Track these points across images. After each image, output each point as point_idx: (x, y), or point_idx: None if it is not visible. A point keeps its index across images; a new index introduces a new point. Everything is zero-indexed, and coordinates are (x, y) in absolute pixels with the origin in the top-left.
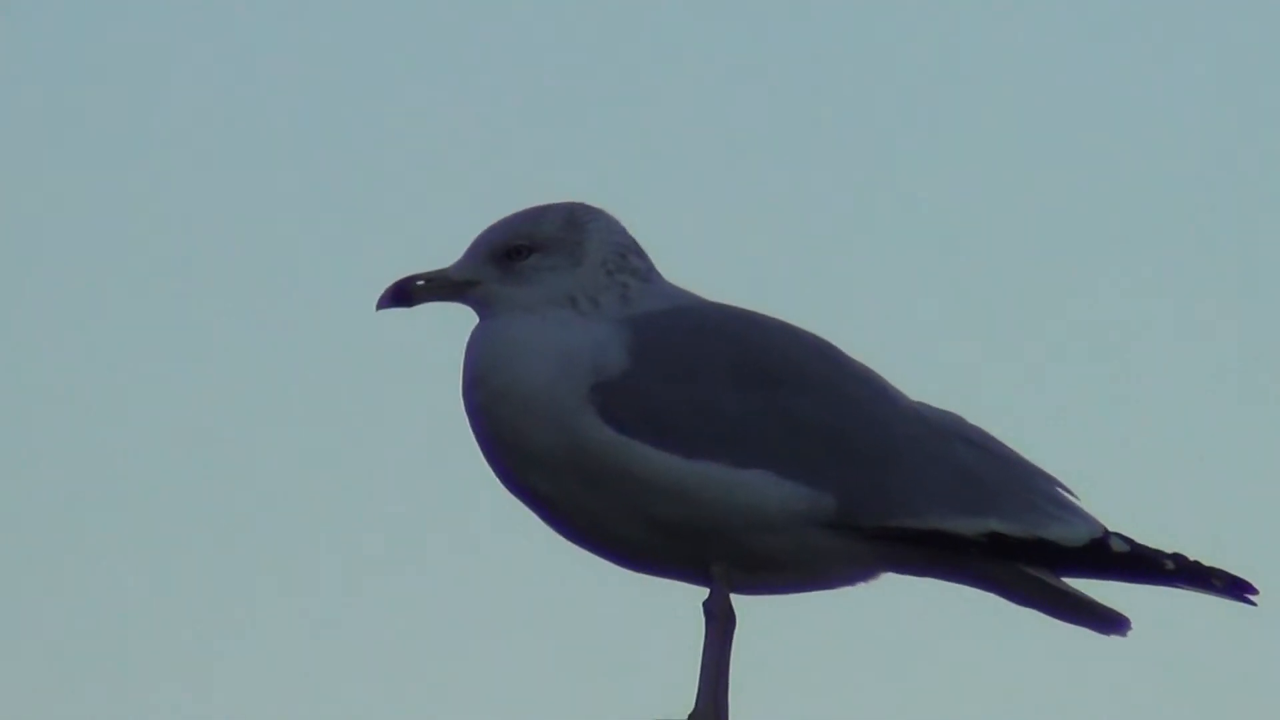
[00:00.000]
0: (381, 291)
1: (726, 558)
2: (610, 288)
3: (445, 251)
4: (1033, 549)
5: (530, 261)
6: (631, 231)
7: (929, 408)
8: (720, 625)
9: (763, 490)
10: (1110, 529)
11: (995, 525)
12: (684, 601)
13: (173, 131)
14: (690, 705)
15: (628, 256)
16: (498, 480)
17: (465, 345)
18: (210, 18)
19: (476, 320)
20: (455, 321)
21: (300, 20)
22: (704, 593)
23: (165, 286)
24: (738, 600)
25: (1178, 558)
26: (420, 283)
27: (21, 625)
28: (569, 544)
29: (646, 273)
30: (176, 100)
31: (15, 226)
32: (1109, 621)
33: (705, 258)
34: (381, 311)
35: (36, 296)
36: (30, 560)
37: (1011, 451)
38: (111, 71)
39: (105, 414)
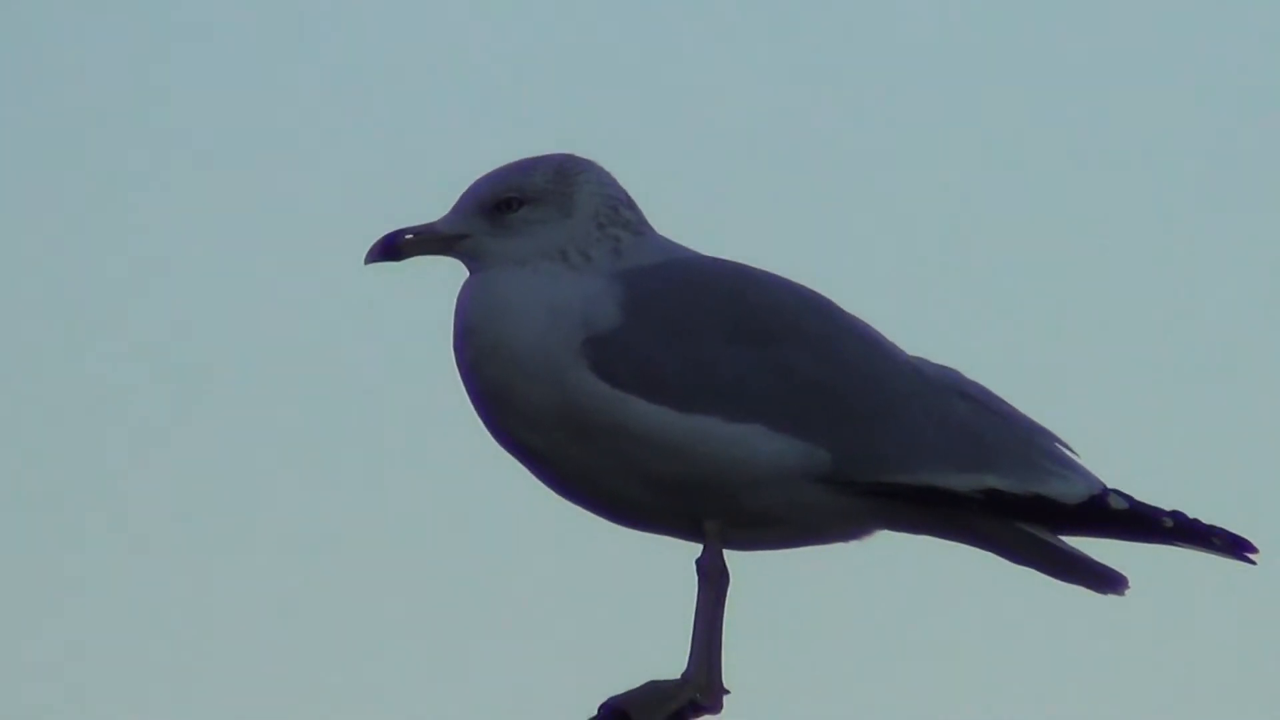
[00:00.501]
0: (369, 246)
1: (720, 514)
2: (602, 241)
3: (432, 207)
4: (1030, 506)
5: (520, 214)
6: (623, 184)
7: (927, 363)
8: (713, 582)
9: (756, 445)
10: (1109, 486)
11: (992, 481)
12: (677, 559)
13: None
14: (683, 663)
15: (619, 209)
16: (489, 435)
17: (455, 299)
18: None
19: (465, 275)
20: (444, 277)
21: None
22: (697, 550)
23: (151, 241)
24: (732, 557)
25: (1176, 515)
26: (409, 237)
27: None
28: (561, 500)
29: (639, 226)
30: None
31: None
32: (1107, 580)
33: (699, 211)
34: (370, 266)
35: None
36: None
37: (1010, 407)
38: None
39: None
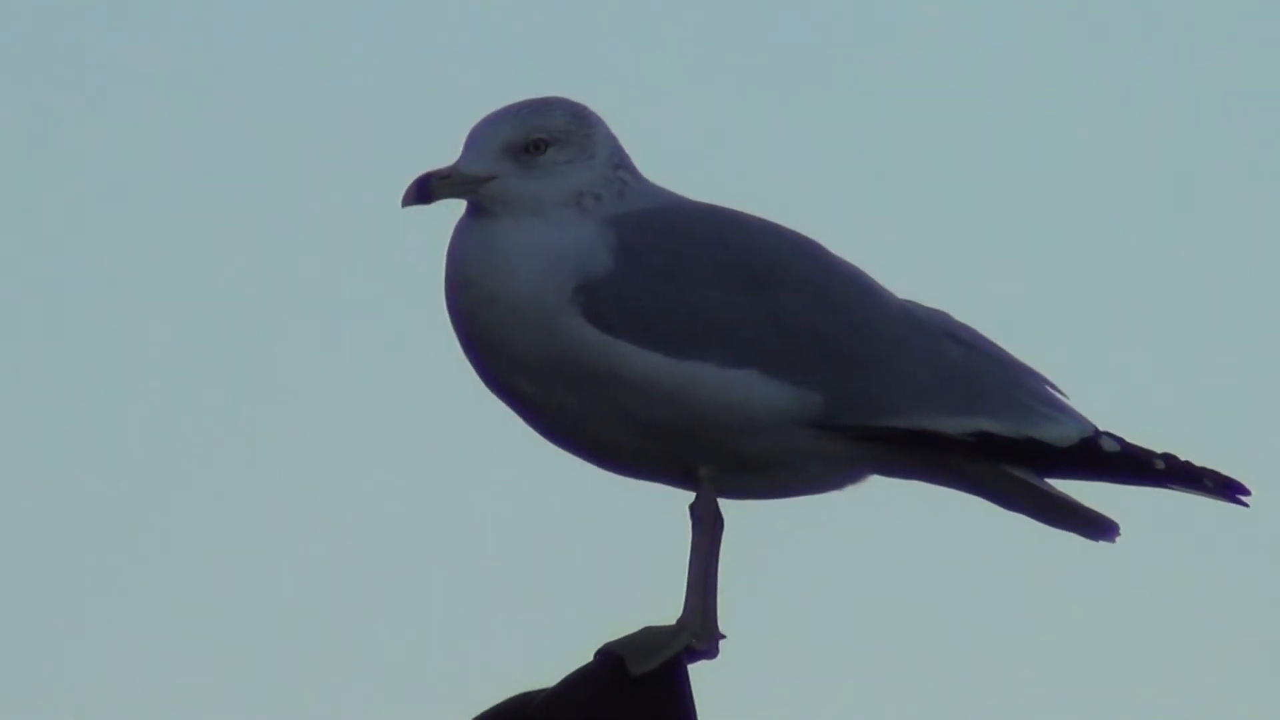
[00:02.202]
0: (404, 189)
1: (713, 460)
2: (612, 183)
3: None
4: (1022, 449)
5: (549, 155)
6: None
7: (918, 306)
8: (707, 528)
9: (748, 390)
10: (1100, 429)
11: (984, 424)
12: (671, 505)
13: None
14: (679, 609)
15: (623, 153)
16: (480, 381)
17: (447, 244)
18: None
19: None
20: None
21: None
22: (691, 495)
23: (180, 196)
24: (727, 506)
25: (1168, 458)
26: (441, 179)
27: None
28: (553, 447)
29: (635, 171)
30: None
31: None
32: (1098, 526)
33: (686, 157)
34: (407, 209)
35: None
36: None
37: (1001, 350)
38: None
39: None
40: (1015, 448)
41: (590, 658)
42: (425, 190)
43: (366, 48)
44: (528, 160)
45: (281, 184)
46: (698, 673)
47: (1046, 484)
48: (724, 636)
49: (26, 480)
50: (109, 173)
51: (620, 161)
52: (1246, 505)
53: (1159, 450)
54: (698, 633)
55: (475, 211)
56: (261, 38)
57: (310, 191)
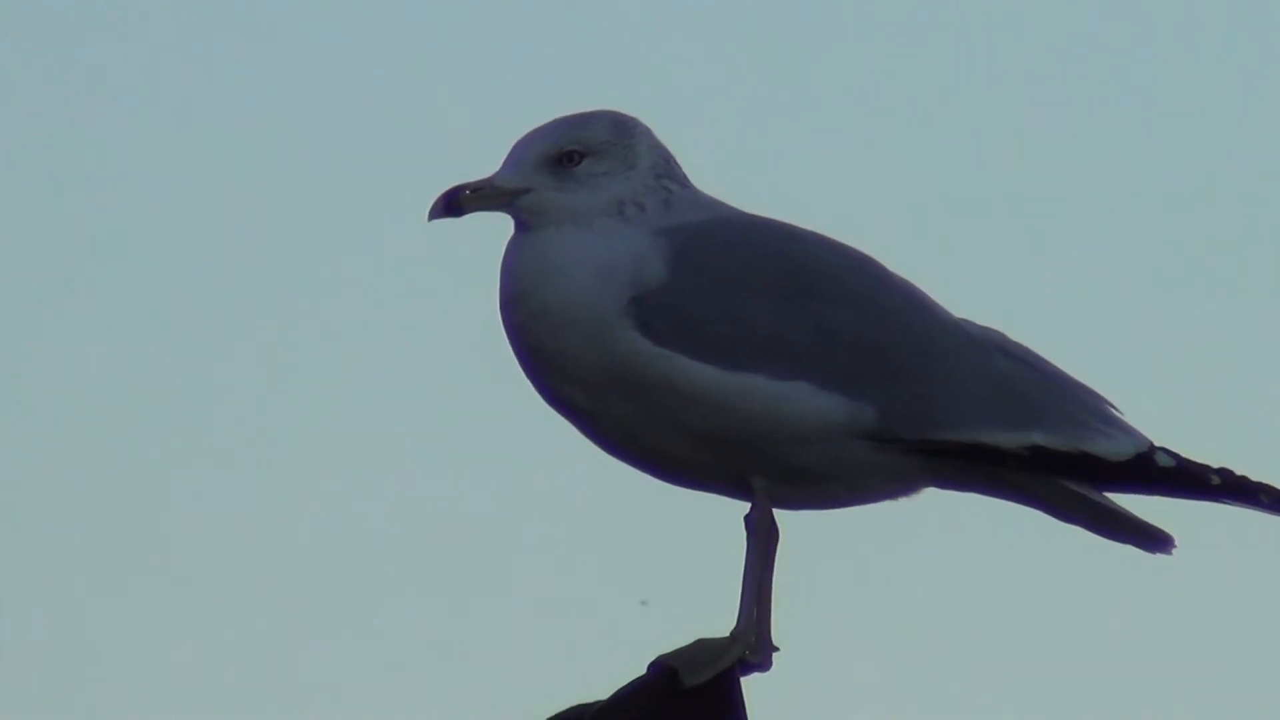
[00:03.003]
0: (430, 202)
1: (767, 471)
2: (656, 192)
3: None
4: (1076, 463)
5: (584, 166)
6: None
7: (971, 323)
8: (762, 540)
9: (802, 402)
10: (1156, 444)
11: (1038, 438)
12: (726, 516)
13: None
14: (733, 621)
15: (670, 162)
16: (537, 394)
17: (502, 258)
18: None
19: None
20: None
21: None
22: (746, 507)
23: (205, 207)
24: (782, 515)
25: (1223, 473)
26: (468, 192)
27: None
28: (609, 458)
29: (685, 179)
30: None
31: None
32: (1153, 539)
33: (740, 171)
34: (433, 222)
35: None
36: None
37: (1055, 367)
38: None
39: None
40: (1069, 462)
41: (644, 669)
42: (453, 204)
43: (435, 65)
44: (563, 172)
45: (344, 202)
46: (751, 685)
47: (1102, 496)
48: (777, 649)
49: (26, 480)
50: (142, 200)
51: (666, 171)
52: None
53: (1215, 465)
54: (751, 645)
55: (523, 226)
56: (324, 60)
57: (373, 209)
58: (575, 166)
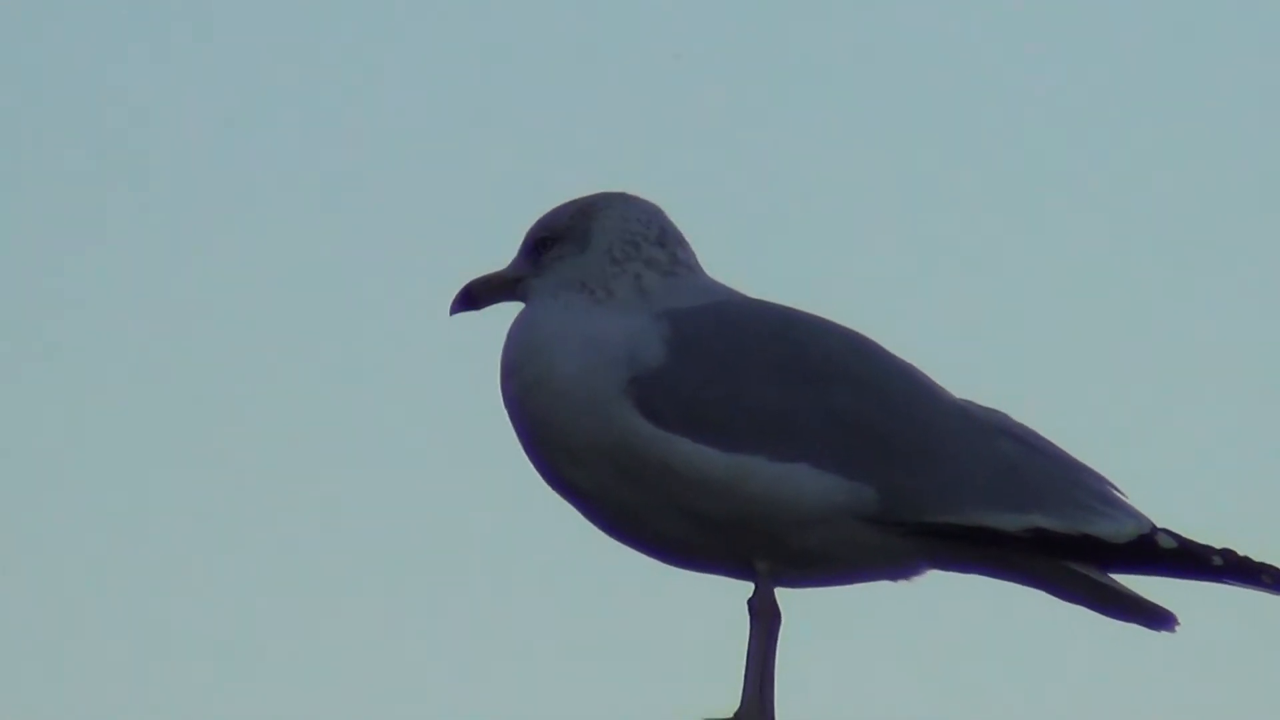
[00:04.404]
0: (451, 297)
1: (768, 553)
2: (619, 276)
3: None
4: (1079, 545)
5: (552, 252)
6: (681, 225)
7: (974, 405)
8: (765, 622)
9: (802, 484)
10: (1158, 525)
11: (1039, 520)
12: (729, 597)
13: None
14: (736, 703)
15: (640, 246)
16: (539, 477)
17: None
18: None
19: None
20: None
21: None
22: (749, 588)
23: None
24: (784, 595)
25: (1226, 553)
26: (480, 284)
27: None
28: (611, 540)
29: (669, 265)
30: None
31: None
32: (1156, 617)
33: (746, 256)
34: (455, 316)
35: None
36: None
37: (1057, 448)
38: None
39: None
40: (1071, 543)
41: None
42: (471, 297)
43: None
44: (538, 259)
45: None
46: None
47: (1105, 576)
48: None
49: (28, 480)
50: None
51: (630, 254)
52: None
53: (1218, 546)
54: None
55: (526, 305)
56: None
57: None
58: (547, 253)
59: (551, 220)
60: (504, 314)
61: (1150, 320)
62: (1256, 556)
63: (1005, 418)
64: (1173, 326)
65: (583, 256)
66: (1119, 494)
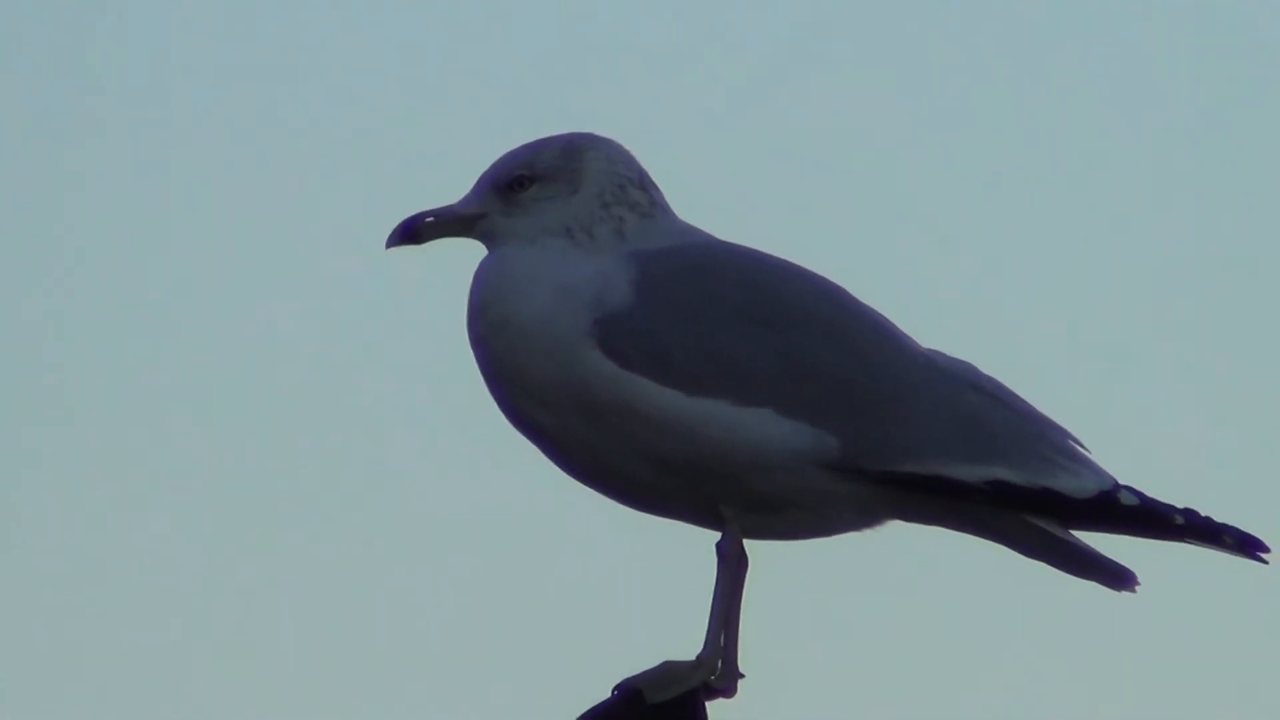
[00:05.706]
0: (390, 230)
1: (732, 499)
2: (604, 220)
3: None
4: (1040, 500)
5: (530, 192)
6: (646, 165)
7: (941, 355)
8: (732, 566)
9: (764, 429)
10: (1121, 482)
11: (1001, 473)
12: (697, 542)
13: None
14: (700, 646)
15: (626, 189)
16: (503, 416)
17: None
18: None
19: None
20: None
21: None
22: (717, 534)
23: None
24: (752, 545)
25: (1188, 513)
26: (429, 220)
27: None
28: (576, 483)
29: (649, 208)
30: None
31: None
32: (1116, 576)
33: (719, 197)
34: (391, 250)
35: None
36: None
37: (1024, 402)
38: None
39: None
40: (1032, 498)
41: (610, 692)
42: (412, 232)
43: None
44: (511, 197)
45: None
46: (715, 711)
47: (1067, 533)
48: (743, 676)
49: (26, 480)
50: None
51: (618, 197)
52: (1266, 562)
53: (1180, 505)
54: (717, 670)
55: (489, 246)
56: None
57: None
58: (524, 191)
59: (530, 158)
60: (451, 252)
61: (1122, 280)
62: (1219, 517)
63: (973, 369)
64: (1143, 288)
65: (573, 199)
66: (1083, 449)
